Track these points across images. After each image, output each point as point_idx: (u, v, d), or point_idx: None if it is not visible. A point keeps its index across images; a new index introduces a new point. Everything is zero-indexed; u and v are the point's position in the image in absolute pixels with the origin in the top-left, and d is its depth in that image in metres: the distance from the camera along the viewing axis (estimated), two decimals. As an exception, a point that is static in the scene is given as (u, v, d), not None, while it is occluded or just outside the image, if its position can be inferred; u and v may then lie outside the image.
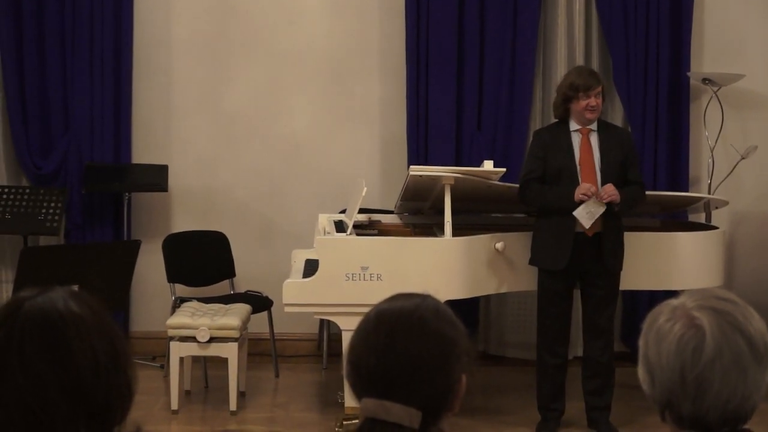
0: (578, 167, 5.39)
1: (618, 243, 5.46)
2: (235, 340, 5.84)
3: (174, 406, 5.86)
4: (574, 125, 5.45)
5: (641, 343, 1.79)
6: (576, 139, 5.44)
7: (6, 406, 1.50)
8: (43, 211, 6.65)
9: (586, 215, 5.29)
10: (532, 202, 5.55)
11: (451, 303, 1.95)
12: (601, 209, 5.29)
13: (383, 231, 6.18)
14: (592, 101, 5.37)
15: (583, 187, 5.28)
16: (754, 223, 7.16)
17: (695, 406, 1.70)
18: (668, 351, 1.72)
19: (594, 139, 5.44)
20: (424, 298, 1.92)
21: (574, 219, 5.32)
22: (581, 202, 5.28)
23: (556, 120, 5.59)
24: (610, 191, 5.27)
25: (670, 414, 1.74)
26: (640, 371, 1.79)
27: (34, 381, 1.51)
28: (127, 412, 1.61)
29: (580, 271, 5.44)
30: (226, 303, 6.30)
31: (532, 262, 5.56)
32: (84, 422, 1.53)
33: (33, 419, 1.50)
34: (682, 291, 1.84)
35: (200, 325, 5.80)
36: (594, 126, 5.47)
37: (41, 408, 1.50)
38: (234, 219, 7.17)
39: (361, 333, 1.89)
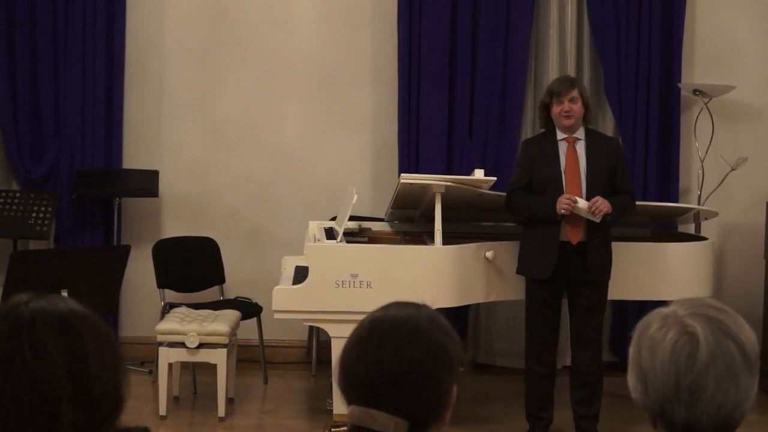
0: (563, 176, 5.39)
1: (604, 253, 5.45)
2: (224, 346, 5.84)
3: (162, 411, 5.85)
4: (560, 134, 5.46)
5: (632, 351, 1.80)
6: (562, 148, 5.44)
7: (14, 384, 1.51)
8: (33, 215, 6.64)
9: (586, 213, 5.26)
10: (517, 211, 5.55)
11: (441, 311, 1.95)
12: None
13: (373, 238, 6.19)
14: (566, 106, 5.37)
15: (561, 203, 5.27)
16: (744, 234, 7.18)
17: (689, 412, 1.71)
18: (663, 357, 1.72)
19: (580, 148, 5.44)
20: (419, 307, 1.92)
21: (560, 228, 5.33)
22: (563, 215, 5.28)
23: (544, 130, 5.60)
24: (602, 207, 5.26)
25: (661, 421, 1.75)
26: (631, 379, 1.79)
27: (44, 361, 1.52)
28: (119, 415, 1.62)
29: (566, 280, 5.43)
30: (215, 309, 6.29)
31: (518, 271, 5.56)
32: (83, 410, 1.54)
33: (39, 399, 1.51)
34: (671, 301, 1.84)
35: (189, 330, 5.79)
36: (581, 134, 5.47)
37: (49, 388, 1.51)
38: (224, 225, 7.17)
39: (353, 340, 1.89)
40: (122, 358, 1.65)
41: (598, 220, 5.28)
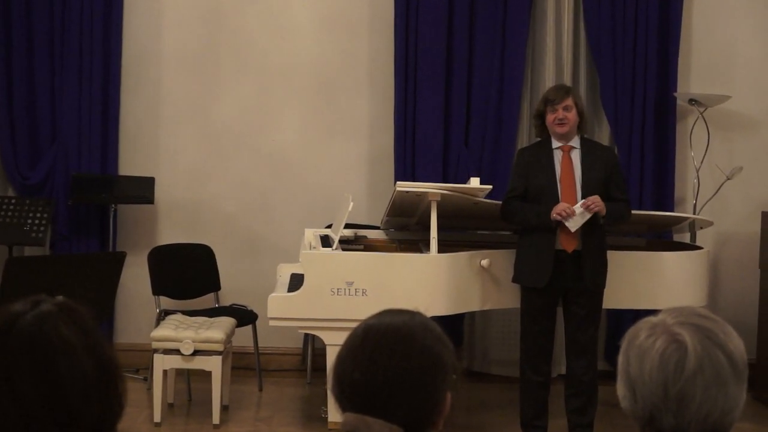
0: (558, 185, 5.40)
1: (599, 261, 5.46)
2: (219, 353, 5.83)
3: (157, 418, 5.84)
4: (555, 143, 5.46)
5: (621, 359, 1.81)
6: (557, 157, 5.44)
7: None
8: (29, 221, 6.64)
9: (573, 221, 5.26)
10: (512, 219, 5.56)
11: (436, 319, 1.95)
12: (587, 215, 5.26)
13: (369, 246, 6.19)
14: (560, 114, 5.38)
15: (558, 208, 5.28)
16: (739, 243, 7.19)
17: (677, 420, 1.72)
18: (651, 366, 1.73)
19: (575, 157, 5.44)
20: (413, 314, 1.92)
21: (555, 236, 5.33)
22: (557, 221, 5.28)
23: (539, 139, 5.61)
24: (597, 202, 5.25)
25: (650, 429, 1.76)
26: (620, 387, 1.80)
27: (24, 408, 1.51)
28: (116, 426, 1.62)
29: (561, 288, 5.44)
30: (210, 316, 6.29)
31: (514, 279, 5.57)
32: None
33: None
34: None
35: (184, 337, 5.79)
36: (576, 143, 5.48)
37: None
38: (220, 232, 7.17)
39: (347, 347, 1.89)
40: (117, 369, 1.64)
41: (589, 213, 5.25)
